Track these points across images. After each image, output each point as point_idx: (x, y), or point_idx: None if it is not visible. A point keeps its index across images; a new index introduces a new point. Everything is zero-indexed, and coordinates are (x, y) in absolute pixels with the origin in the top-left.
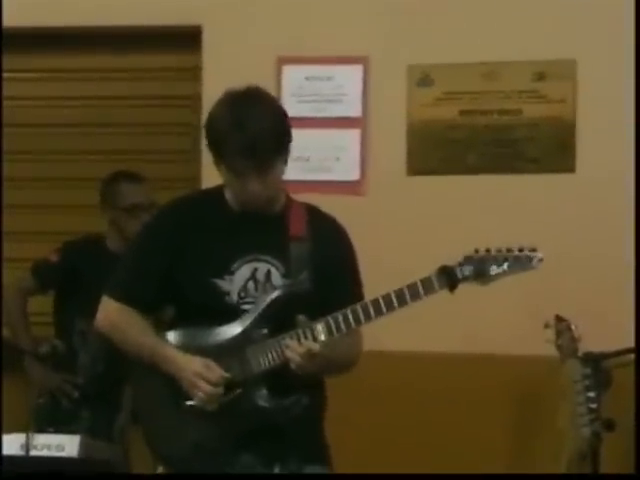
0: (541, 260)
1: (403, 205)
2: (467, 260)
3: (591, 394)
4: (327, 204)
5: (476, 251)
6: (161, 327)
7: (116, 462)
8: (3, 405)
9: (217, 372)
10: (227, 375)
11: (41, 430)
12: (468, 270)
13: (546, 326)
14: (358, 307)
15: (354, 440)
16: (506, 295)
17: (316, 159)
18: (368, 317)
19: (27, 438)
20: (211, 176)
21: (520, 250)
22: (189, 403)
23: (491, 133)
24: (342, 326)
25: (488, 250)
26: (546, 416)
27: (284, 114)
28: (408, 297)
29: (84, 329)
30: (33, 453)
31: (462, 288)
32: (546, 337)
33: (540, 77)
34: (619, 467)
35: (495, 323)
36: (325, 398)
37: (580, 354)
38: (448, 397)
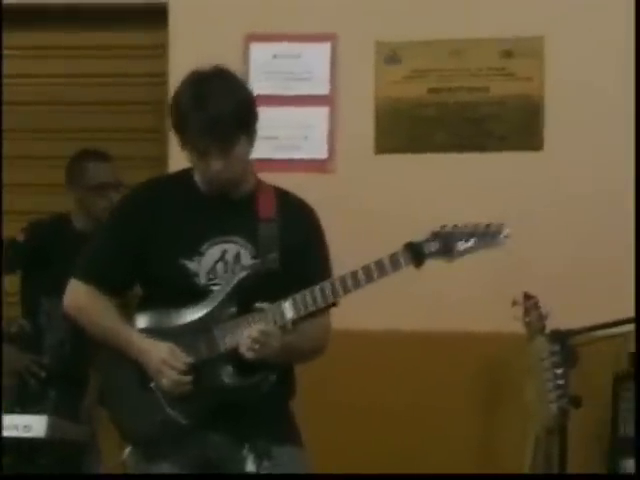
0: (507, 236)
1: (371, 183)
2: (434, 236)
3: (558, 371)
4: (295, 182)
5: (443, 227)
6: (129, 309)
7: (83, 442)
8: None
9: (181, 359)
10: (191, 361)
11: (8, 411)
12: (435, 246)
13: (514, 303)
14: (326, 284)
15: (323, 419)
16: (474, 272)
17: (284, 137)
18: (335, 294)
19: None
20: (178, 155)
21: (487, 226)
22: (153, 385)
23: (459, 111)
24: (309, 303)
25: (455, 226)
26: (514, 393)
27: (249, 93)
28: (375, 273)
29: (50, 309)
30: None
31: (430, 265)
32: (514, 314)
33: (507, 55)
34: (585, 442)
35: (463, 300)
36: (293, 380)
37: (547, 331)
38: (416, 375)
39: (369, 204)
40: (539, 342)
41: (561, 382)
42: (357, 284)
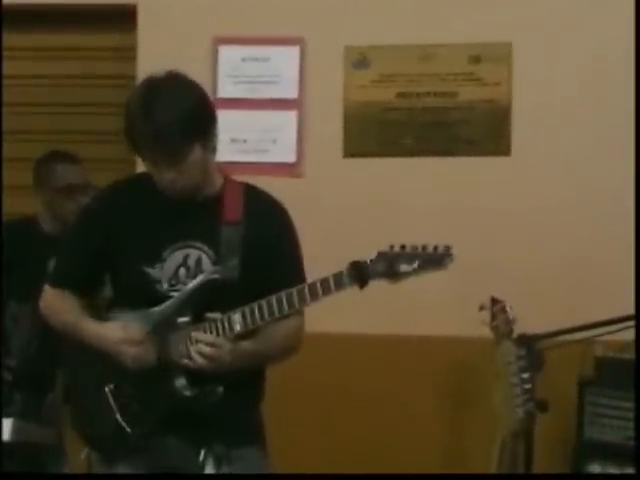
0: (452, 260)
1: (339, 187)
2: (380, 257)
3: (525, 375)
4: (263, 186)
5: (391, 247)
6: (97, 309)
7: (48, 445)
8: None
9: (136, 330)
10: (147, 330)
11: None
12: (379, 267)
13: (481, 308)
14: (273, 298)
15: (294, 421)
16: (440, 276)
17: (252, 141)
18: (282, 310)
19: None
20: None
21: (434, 249)
22: (107, 389)
23: (427, 115)
24: (257, 317)
25: (403, 247)
26: (481, 397)
27: (201, 99)
28: (320, 292)
29: (18, 311)
30: None
31: None
32: (482, 319)
33: (476, 60)
34: (550, 446)
35: (430, 304)
36: (261, 384)
37: (515, 335)
38: (384, 378)
39: (337, 208)
40: (506, 346)
41: (527, 386)
42: (303, 301)
